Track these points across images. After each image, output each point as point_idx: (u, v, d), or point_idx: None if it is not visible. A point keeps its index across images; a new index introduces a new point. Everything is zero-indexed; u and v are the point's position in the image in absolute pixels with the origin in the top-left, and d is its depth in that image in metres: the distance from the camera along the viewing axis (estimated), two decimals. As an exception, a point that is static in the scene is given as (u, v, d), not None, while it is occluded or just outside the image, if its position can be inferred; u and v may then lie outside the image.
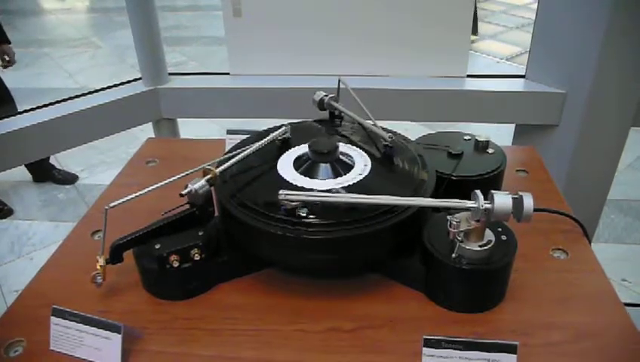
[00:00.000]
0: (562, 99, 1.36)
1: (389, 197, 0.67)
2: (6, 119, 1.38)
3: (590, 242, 0.85)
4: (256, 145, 0.81)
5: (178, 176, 0.75)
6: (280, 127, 0.87)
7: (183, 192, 0.71)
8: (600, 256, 0.80)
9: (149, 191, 0.71)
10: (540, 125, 1.43)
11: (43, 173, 2.94)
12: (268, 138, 0.83)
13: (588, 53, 1.26)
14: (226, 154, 0.83)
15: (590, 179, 1.42)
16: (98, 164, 3.09)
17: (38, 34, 5.84)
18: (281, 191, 0.67)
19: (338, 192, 0.72)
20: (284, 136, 0.86)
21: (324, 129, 0.93)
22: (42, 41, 5.40)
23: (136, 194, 0.70)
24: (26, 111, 1.42)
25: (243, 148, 0.80)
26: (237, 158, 0.78)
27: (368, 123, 0.89)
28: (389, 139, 0.82)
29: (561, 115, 1.38)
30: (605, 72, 1.26)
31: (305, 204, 0.68)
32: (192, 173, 0.76)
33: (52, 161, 2.92)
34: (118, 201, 0.69)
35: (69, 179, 3.01)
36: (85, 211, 0.96)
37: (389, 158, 0.82)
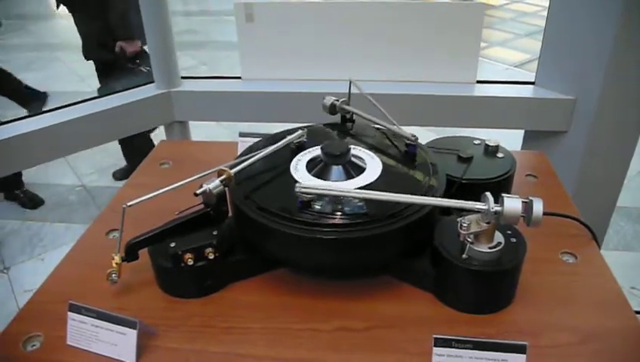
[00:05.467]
0: (572, 105, 1.36)
1: (402, 196, 0.68)
2: (18, 121, 1.41)
3: (599, 246, 0.85)
4: (273, 147, 0.82)
5: (196, 177, 0.77)
6: (295, 130, 0.88)
7: (198, 192, 0.72)
8: (609, 262, 0.80)
9: (168, 190, 0.73)
10: (549, 131, 1.44)
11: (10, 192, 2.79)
12: (284, 141, 0.84)
13: (597, 60, 1.27)
14: (239, 156, 0.85)
15: (599, 185, 1.43)
16: (109, 167, 3.11)
17: (51, 38, 5.90)
18: (297, 184, 0.69)
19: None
20: (301, 139, 0.87)
21: (337, 132, 0.94)
22: (54, 45, 5.45)
23: (155, 193, 0.72)
24: (39, 113, 1.45)
25: (257, 151, 0.82)
26: (253, 160, 0.79)
27: (387, 125, 0.90)
28: (413, 138, 0.83)
29: (570, 121, 1.38)
30: (615, 78, 1.27)
31: (319, 198, 0.70)
32: (208, 174, 0.78)
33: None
34: (137, 200, 0.70)
35: (36, 201, 2.79)
36: (96, 213, 0.97)
37: (412, 156, 0.83)
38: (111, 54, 2.37)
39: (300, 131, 0.87)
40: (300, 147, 0.87)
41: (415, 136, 0.84)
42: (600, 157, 1.38)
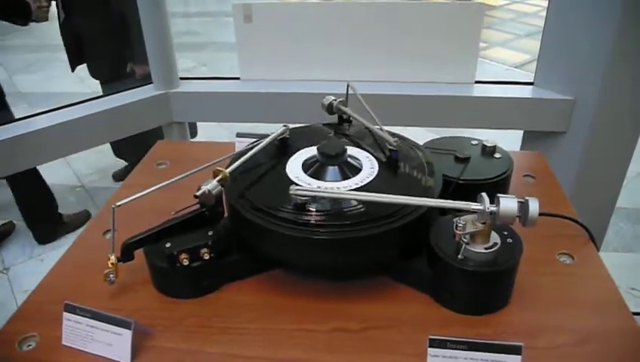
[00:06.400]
0: (571, 106, 1.36)
1: (397, 197, 0.68)
2: (19, 122, 1.41)
3: (597, 247, 0.85)
4: (259, 145, 0.83)
5: (184, 175, 0.77)
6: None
7: (197, 193, 0.72)
8: (609, 264, 0.80)
9: (156, 189, 0.73)
10: (548, 132, 1.44)
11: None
12: (268, 139, 0.85)
13: (597, 61, 1.26)
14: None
15: (598, 186, 1.42)
16: (107, 168, 3.11)
17: (52, 39, 5.89)
18: (292, 187, 0.69)
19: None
20: (283, 136, 0.88)
21: (333, 132, 0.94)
22: (55, 46, 5.44)
23: (144, 192, 0.72)
24: (38, 114, 1.45)
25: (246, 149, 0.82)
26: (242, 160, 0.79)
27: (375, 127, 0.90)
28: (395, 143, 0.83)
29: (569, 122, 1.38)
30: (614, 79, 1.26)
31: (315, 199, 0.70)
32: (197, 171, 0.78)
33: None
34: (126, 200, 0.70)
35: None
36: (95, 213, 0.97)
37: (394, 162, 0.83)
38: (117, 71, 2.43)
39: (282, 128, 0.88)
40: (283, 143, 0.88)
41: (397, 140, 0.84)
42: (599, 158, 1.38)
